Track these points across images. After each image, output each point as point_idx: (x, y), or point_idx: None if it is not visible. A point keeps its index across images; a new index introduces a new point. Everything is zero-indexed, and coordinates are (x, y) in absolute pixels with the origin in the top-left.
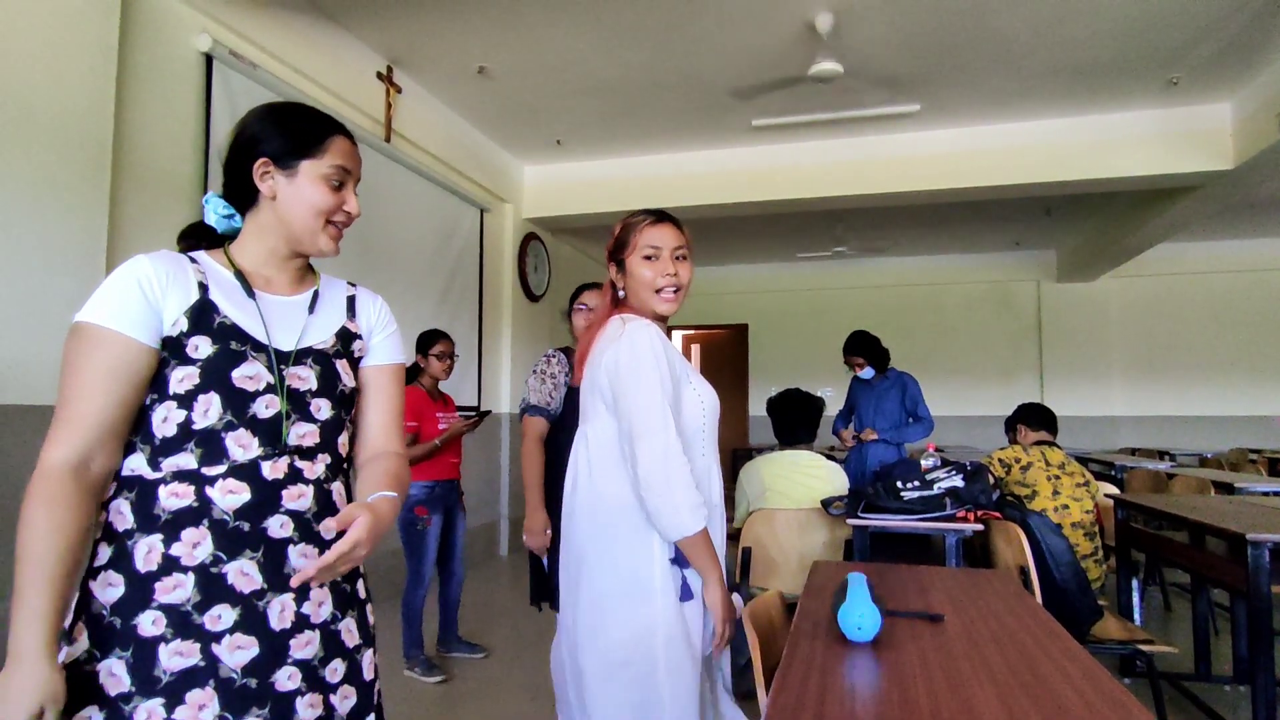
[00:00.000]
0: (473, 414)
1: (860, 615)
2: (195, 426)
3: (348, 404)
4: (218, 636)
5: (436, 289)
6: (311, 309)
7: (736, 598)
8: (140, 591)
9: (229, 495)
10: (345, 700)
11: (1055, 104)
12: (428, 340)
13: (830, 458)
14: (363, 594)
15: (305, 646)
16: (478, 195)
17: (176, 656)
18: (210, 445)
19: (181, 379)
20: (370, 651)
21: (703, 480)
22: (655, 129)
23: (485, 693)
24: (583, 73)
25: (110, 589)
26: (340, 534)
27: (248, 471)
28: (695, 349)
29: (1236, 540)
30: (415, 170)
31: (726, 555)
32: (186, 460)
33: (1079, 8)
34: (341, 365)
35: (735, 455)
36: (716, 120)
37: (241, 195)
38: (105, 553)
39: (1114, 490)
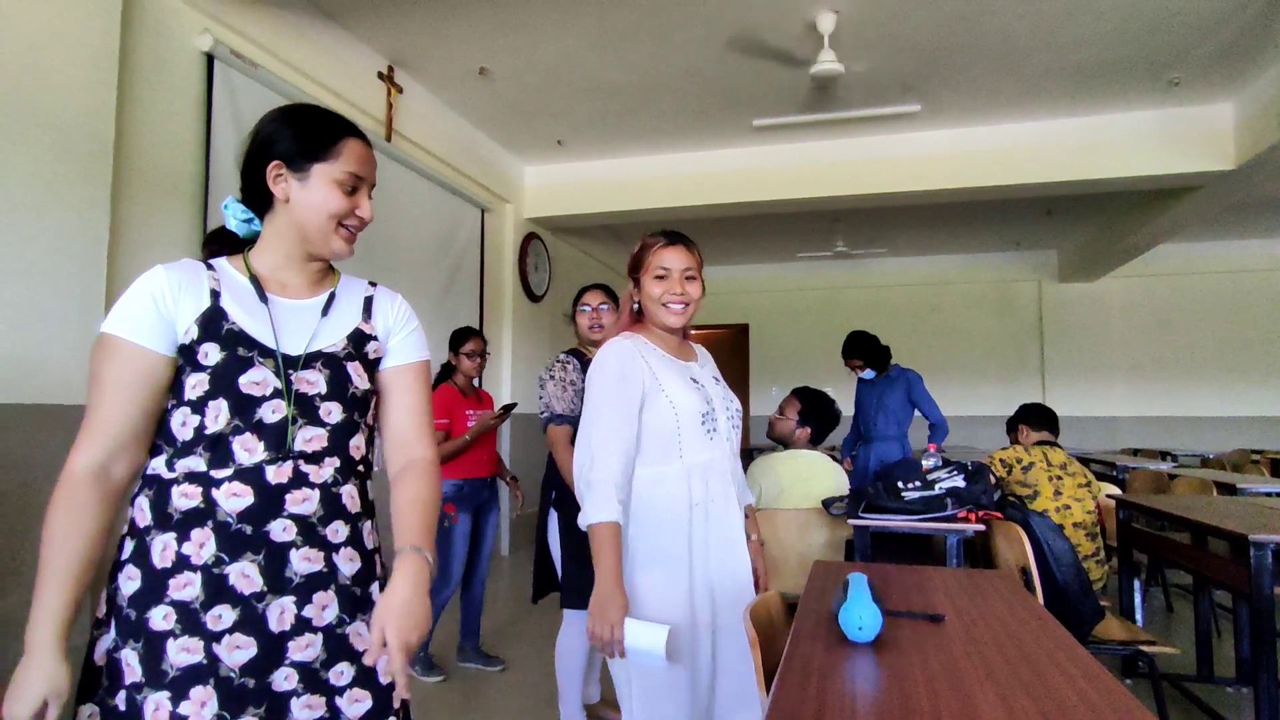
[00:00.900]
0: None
1: (861, 615)
2: (207, 431)
3: (361, 406)
4: (218, 636)
5: (437, 289)
6: (325, 311)
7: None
8: (155, 586)
9: (233, 498)
10: (356, 704)
11: (1056, 104)
12: (459, 338)
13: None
14: (378, 595)
15: (305, 649)
16: (479, 195)
17: (183, 653)
18: (218, 448)
19: (194, 385)
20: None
21: (674, 479)
22: (656, 129)
23: (482, 692)
24: (584, 73)
25: (130, 582)
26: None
27: (252, 475)
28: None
29: (1239, 541)
30: (416, 170)
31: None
32: (197, 463)
33: (1080, 8)
34: (354, 368)
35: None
36: (717, 120)
37: (258, 199)
38: (129, 547)
39: (1116, 491)
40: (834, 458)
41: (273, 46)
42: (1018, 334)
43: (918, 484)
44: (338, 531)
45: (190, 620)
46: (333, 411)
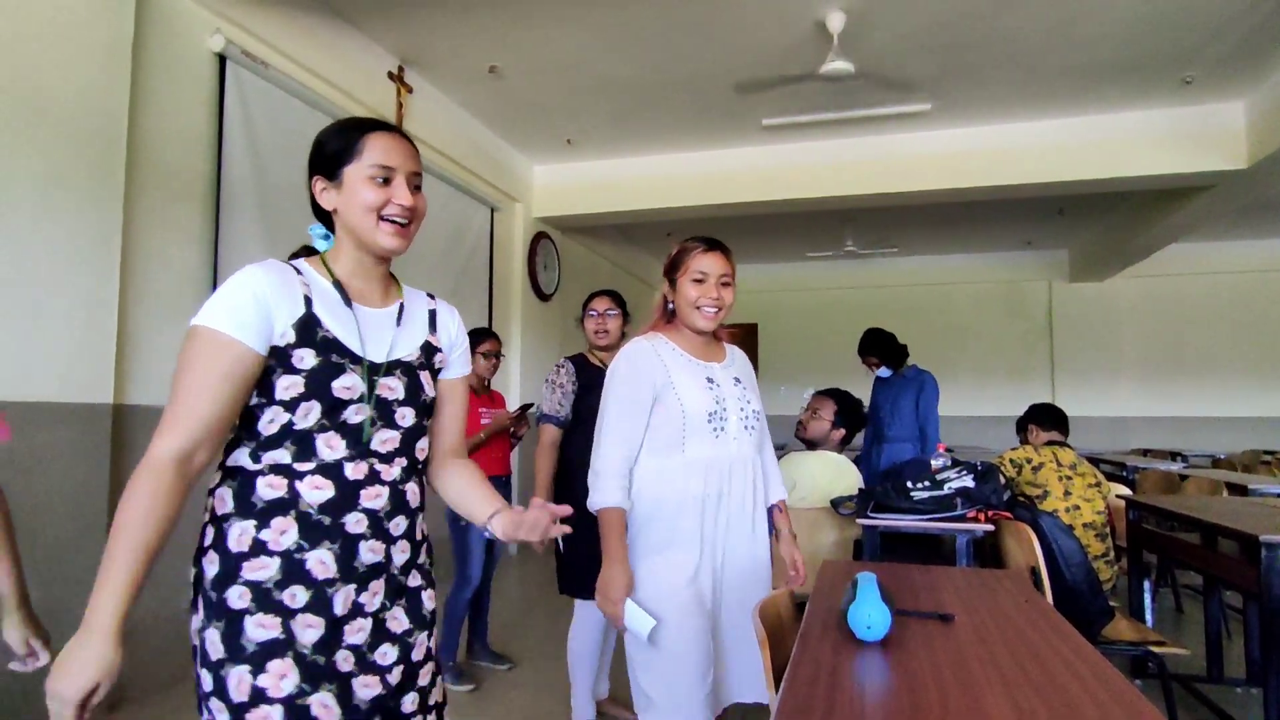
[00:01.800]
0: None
1: (870, 614)
2: (295, 427)
3: (429, 412)
4: (294, 613)
5: (446, 287)
6: (399, 322)
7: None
8: (231, 568)
9: (314, 490)
10: (393, 680)
11: (1067, 103)
12: (475, 339)
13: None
14: (415, 582)
15: (357, 633)
16: (488, 194)
17: (260, 628)
18: (303, 444)
19: (287, 387)
20: (424, 635)
21: (676, 472)
22: (666, 128)
23: (491, 691)
24: (593, 72)
25: (210, 566)
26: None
27: (333, 470)
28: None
29: (1249, 542)
30: (426, 169)
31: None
32: (282, 455)
33: (1092, 7)
34: (424, 376)
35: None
36: (727, 119)
37: (323, 218)
38: (210, 534)
39: (1126, 491)
40: (855, 459)
41: (284, 46)
42: (1028, 334)
43: (927, 484)
44: (399, 525)
45: (265, 598)
46: (407, 416)
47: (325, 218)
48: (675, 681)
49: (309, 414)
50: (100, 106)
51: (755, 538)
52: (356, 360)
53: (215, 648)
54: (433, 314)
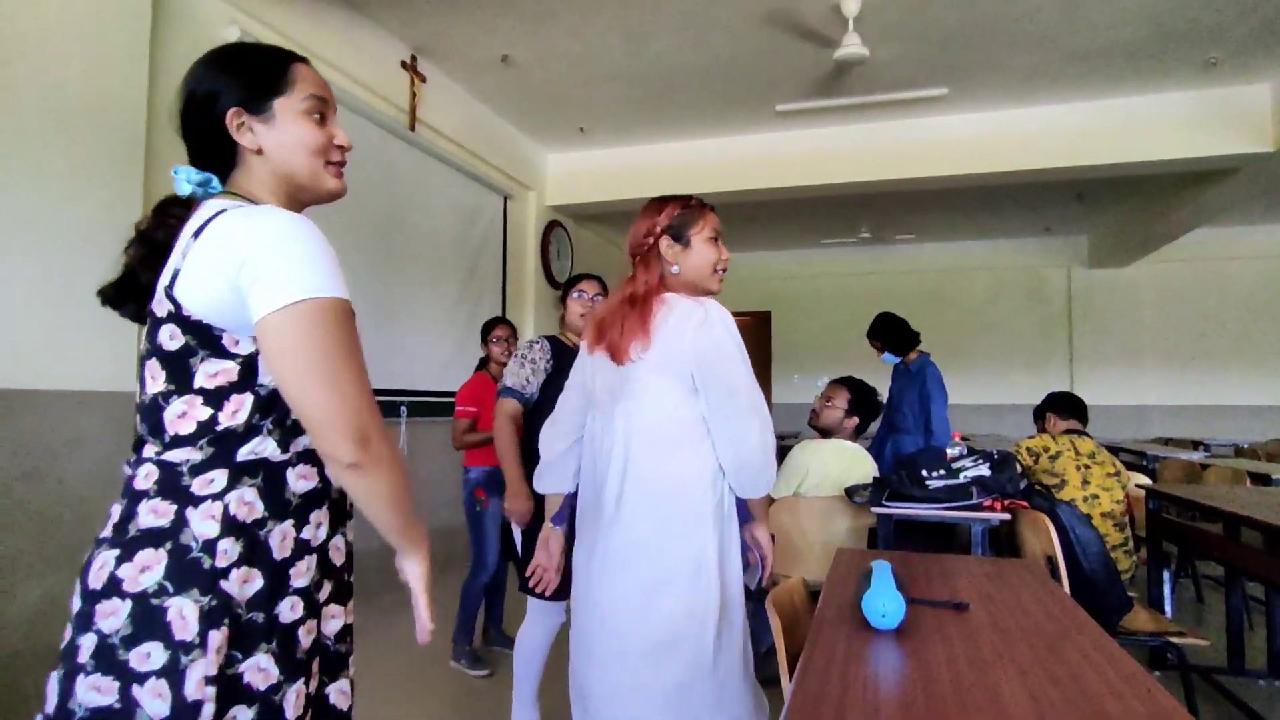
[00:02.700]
0: None
1: (884, 603)
2: None
3: None
4: (320, 609)
5: (459, 276)
6: None
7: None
8: (279, 580)
9: (301, 481)
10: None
11: (1088, 86)
12: (487, 328)
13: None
14: None
15: (347, 615)
16: (501, 183)
17: (308, 635)
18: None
19: None
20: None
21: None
22: (679, 115)
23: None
24: (606, 60)
25: (247, 585)
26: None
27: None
28: None
29: (1272, 532)
30: (439, 158)
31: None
32: (308, 439)
33: None
34: None
35: None
36: (740, 106)
37: (214, 158)
38: (233, 549)
39: (1145, 480)
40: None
41: (298, 36)
42: (1046, 321)
43: (942, 472)
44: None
45: (310, 602)
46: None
47: (210, 160)
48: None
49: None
50: (121, 99)
51: None
52: None
53: (267, 675)
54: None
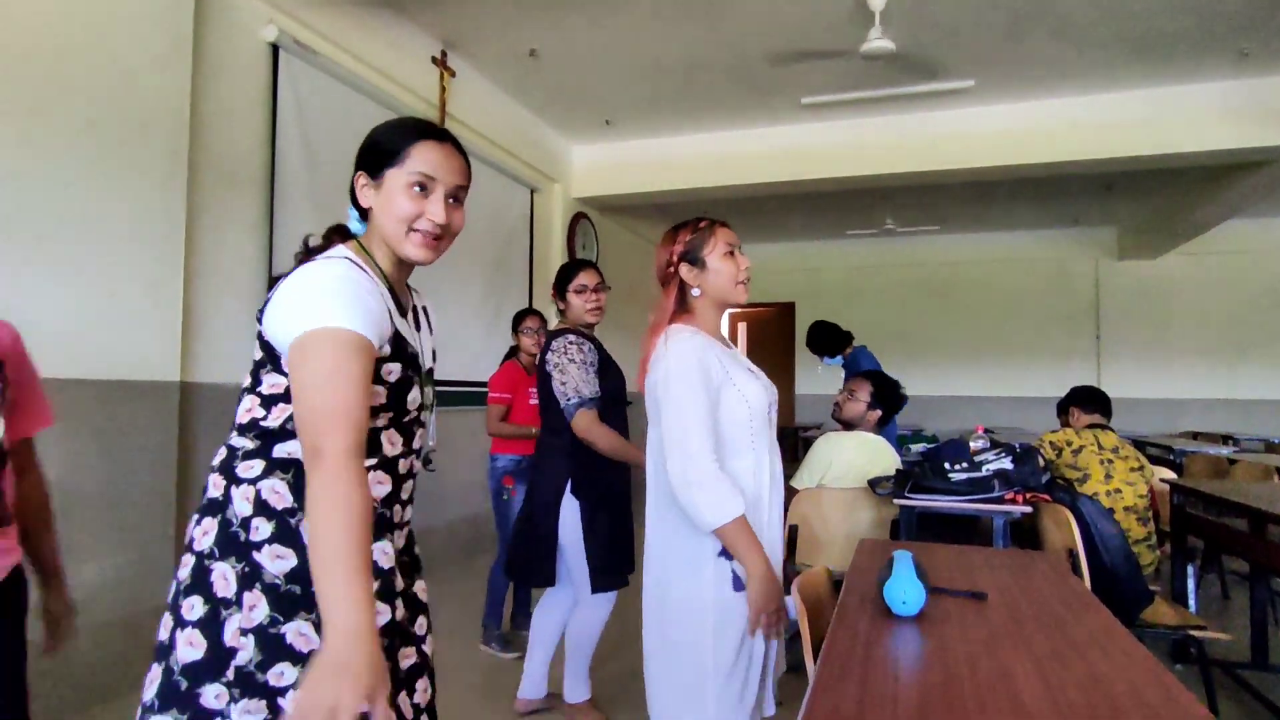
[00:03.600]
0: None
1: (905, 590)
2: (373, 426)
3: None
4: None
5: (487, 268)
6: (418, 327)
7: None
8: (296, 570)
9: (378, 485)
10: (427, 648)
11: (1118, 77)
12: (518, 319)
13: None
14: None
15: (398, 610)
16: (528, 175)
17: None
18: (371, 441)
19: (374, 394)
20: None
21: (747, 474)
22: (704, 108)
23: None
24: (632, 54)
25: (280, 561)
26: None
27: (391, 465)
28: (742, 328)
29: None
30: (468, 152)
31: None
32: None
33: None
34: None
35: (782, 434)
36: (765, 98)
37: (359, 207)
38: (265, 528)
39: (1170, 475)
40: None
41: (332, 34)
42: (1073, 313)
43: (965, 465)
44: (408, 512)
45: None
46: (429, 419)
47: (360, 209)
48: (721, 701)
49: (380, 418)
50: (164, 97)
51: (779, 530)
52: (418, 371)
53: (308, 640)
54: (425, 311)
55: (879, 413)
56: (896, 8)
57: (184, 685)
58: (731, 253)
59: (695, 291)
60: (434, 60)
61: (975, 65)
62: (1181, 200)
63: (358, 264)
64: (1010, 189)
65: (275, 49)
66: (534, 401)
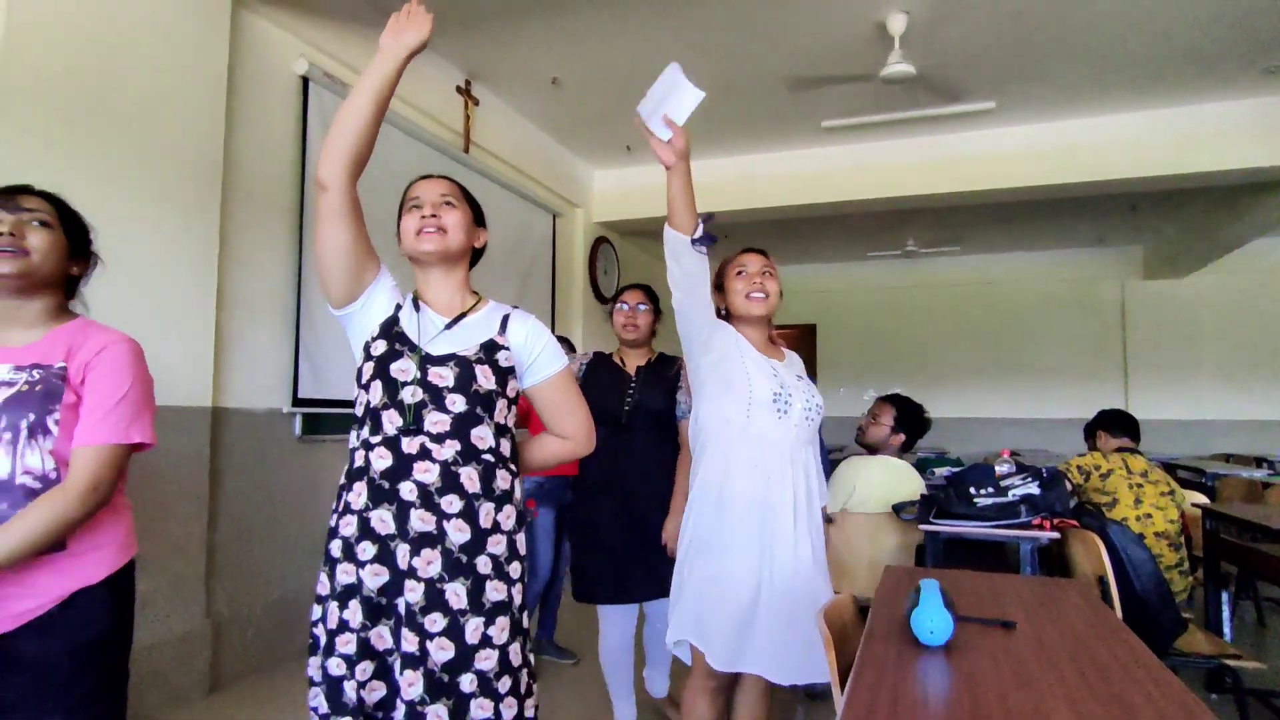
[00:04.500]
0: None
1: (933, 619)
2: (371, 405)
3: (485, 403)
4: (364, 564)
5: (510, 293)
6: (450, 326)
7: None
8: (334, 526)
9: (380, 459)
10: (441, 650)
11: (1142, 96)
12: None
13: None
14: (483, 569)
15: (410, 591)
16: (550, 201)
17: (344, 574)
18: (374, 420)
19: (366, 371)
20: (480, 621)
21: (743, 445)
22: (725, 132)
23: (557, 683)
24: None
25: (330, 522)
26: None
27: (392, 443)
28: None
29: None
30: (491, 178)
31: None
32: (363, 432)
33: None
34: (483, 370)
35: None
36: (786, 122)
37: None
38: (338, 499)
39: (1202, 499)
40: None
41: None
42: (1099, 333)
43: (991, 490)
44: (452, 503)
45: (349, 551)
46: (457, 402)
47: None
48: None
49: (376, 393)
50: (200, 128)
51: (803, 532)
52: (413, 348)
53: (323, 585)
54: (505, 318)
55: (902, 437)
56: (916, 32)
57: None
58: (742, 272)
59: (723, 310)
60: (458, 90)
61: (996, 87)
62: (1209, 219)
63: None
64: (1033, 209)
65: (305, 82)
66: None
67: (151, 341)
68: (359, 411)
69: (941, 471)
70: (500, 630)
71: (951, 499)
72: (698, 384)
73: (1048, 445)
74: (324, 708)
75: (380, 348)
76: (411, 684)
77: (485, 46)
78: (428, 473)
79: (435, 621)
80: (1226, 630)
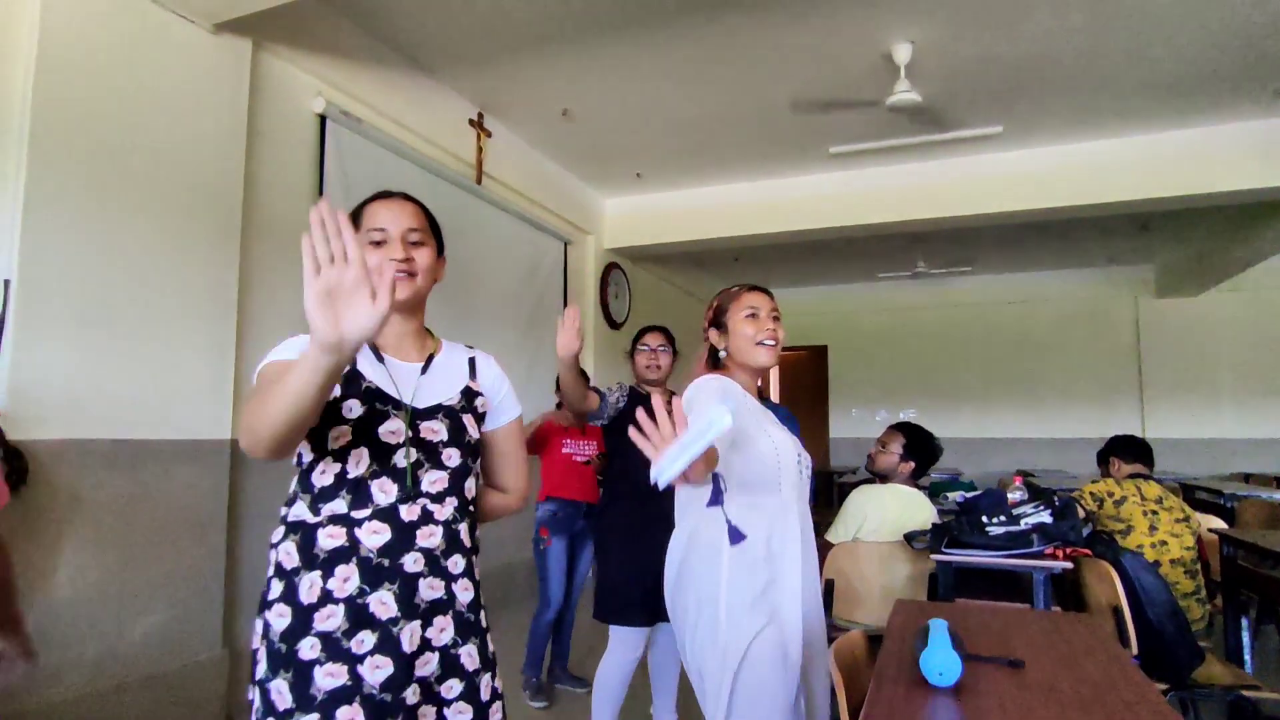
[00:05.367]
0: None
1: (942, 661)
2: (349, 476)
3: (474, 453)
4: (361, 658)
5: (522, 319)
6: (423, 371)
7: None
8: (302, 621)
9: (373, 535)
10: (460, 715)
11: (1150, 119)
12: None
13: None
14: (484, 624)
15: (425, 665)
16: (561, 228)
17: (329, 677)
18: (359, 491)
19: (337, 437)
20: (489, 676)
21: (774, 515)
22: (734, 159)
23: (570, 712)
24: (661, 110)
25: (280, 619)
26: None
27: (388, 514)
28: (774, 372)
29: None
30: (503, 208)
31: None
32: (339, 505)
33: (1172, 22)
34: (468, 419)
35: (817, 479)
36: (794, 148)
37: None
38: (278, 588)
39: (1219, 524)
40: None
41: (375, 102)
42: (1113, 353)
43: (1003, 519)
44: (457, 564)
45: (334, 648)
46: (453, 456)
47: None
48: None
49: (360, 461)
50: (220, 166)
51: (815, 586)
52: (399, 406)
53: (283, 698)
54: (472, 361)
55: (912, 464)
56: (922, 60)
57: None
58: (754, 315)
59: (723, 353)
60: (471, 123)
61: (1002, 112)
62: (1220, 238)
63: None
64: (1043, 229)
65: (323, 119)
66: (566, 450)
67: (171, 374)
68: (325, 481)
69: (954, 496)
70: (497, 679)
71: (963, 528)
72: (729, 472)
73: (1064, 465)
74: None
75: (356, 409)
76: None
77: (497, 80)
78: (432, 537)
79: (452, 688)
80: (1247, 659)
